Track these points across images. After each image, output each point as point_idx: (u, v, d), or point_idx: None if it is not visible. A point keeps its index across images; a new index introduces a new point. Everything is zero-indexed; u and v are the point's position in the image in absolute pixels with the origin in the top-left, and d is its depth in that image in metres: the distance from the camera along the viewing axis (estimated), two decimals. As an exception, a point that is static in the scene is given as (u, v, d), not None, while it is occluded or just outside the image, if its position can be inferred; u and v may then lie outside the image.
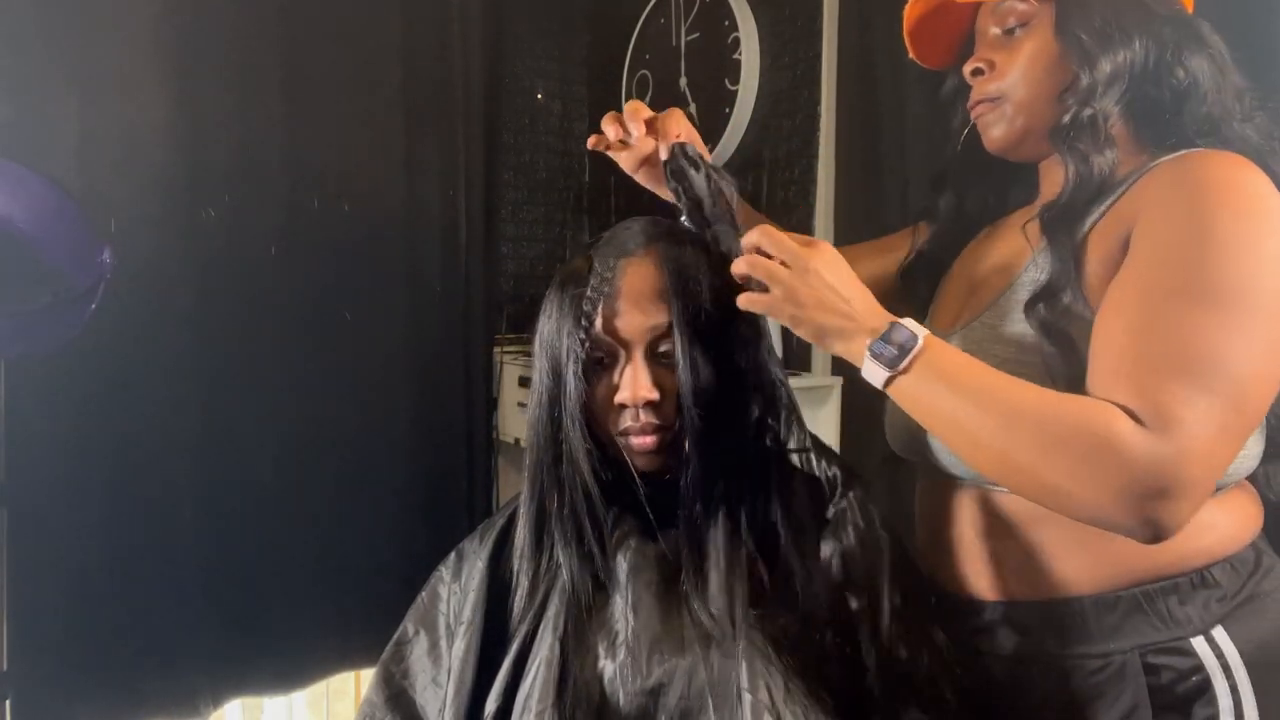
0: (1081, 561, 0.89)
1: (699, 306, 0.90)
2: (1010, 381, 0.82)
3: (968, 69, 0.97)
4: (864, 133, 1.74)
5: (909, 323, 0.84)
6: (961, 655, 0.92)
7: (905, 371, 0.83)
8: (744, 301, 0.89)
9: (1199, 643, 0.86)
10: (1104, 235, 0.87)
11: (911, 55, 1.08)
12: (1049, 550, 0.91)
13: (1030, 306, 0.88)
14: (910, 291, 1.11)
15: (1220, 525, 0.89)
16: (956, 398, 0.82)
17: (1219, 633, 0.86)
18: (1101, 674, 0.88)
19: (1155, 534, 0.77)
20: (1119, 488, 0.75)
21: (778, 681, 0.84)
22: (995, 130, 0.97)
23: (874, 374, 0.84)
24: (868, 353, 0.84)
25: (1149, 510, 0.75)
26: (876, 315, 0.85)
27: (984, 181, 1.06)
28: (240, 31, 1.72)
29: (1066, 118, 0.90)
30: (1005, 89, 0.95)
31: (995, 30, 0.96)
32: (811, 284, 0.86)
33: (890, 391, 0.85)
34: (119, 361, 1.59)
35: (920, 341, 0.82)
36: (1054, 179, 0.94)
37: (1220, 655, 0.85)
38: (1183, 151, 0.87)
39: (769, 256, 0.88)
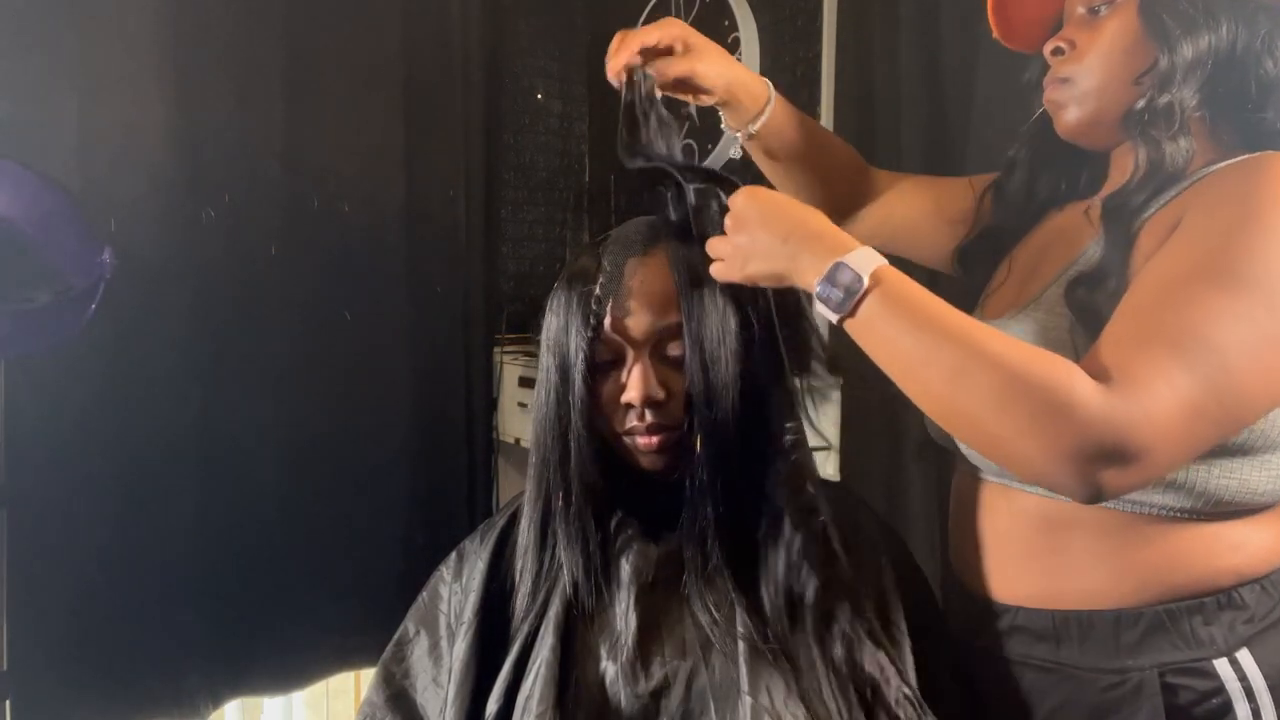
0: (1106, 573, 0.87)
1: (708, 307, 0.90)
2: (972, 325, 0.78)
3: (1048, 48, 0.94)
4: (861, 131, 1.73)
5: (855, 258, 0.79)
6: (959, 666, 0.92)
7: (853, 313, 0.79)
8: (716, 272, 0.88)
9: (1222, 665, 0.83)
10: (1156, 228, 0.84)
11: (995, 35, 1.03)
12: (1074, 559, 0.88)
13: (1071, 289, 0.86)
14: (967, 272, 1.07)
15: (1252, 545, 0.86)
16: (911, 337, 0.77)
17: (1244, 655, 0.83)
18: (1118, 690, 0.86)
19: (1095, 497, 0.73)
20: (1066, 449, 0.72)
21: (779, 683, 0.84)
22: (1068, 114, 0.93)
23: (824, 316, 0.81)
24: (815, 296, 0.80)
25: (1092, 473, 0.72)
26: (822, 253, 0.81)
27: (1055, 166, 1.01)
28: (240, 32, 1.72)
29: (1141, 102, 0.86)
30: (1080, 71, 0.91)
31: (1081, 10, 0.93)
32: (745, 240, 0.84)
33: (846, 329, 0.81)
34: (119, 361, 1.59)
35: (865, 281, 0.78)
36: (1124, 167, 0.90)
37: (1244, 679, 0.82)
38: (1259, 153, 0.84)
39: None
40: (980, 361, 0.75)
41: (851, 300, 0.78)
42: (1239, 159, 0.83)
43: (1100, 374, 0.73)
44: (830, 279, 0.79)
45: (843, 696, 0.85)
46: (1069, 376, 0.73)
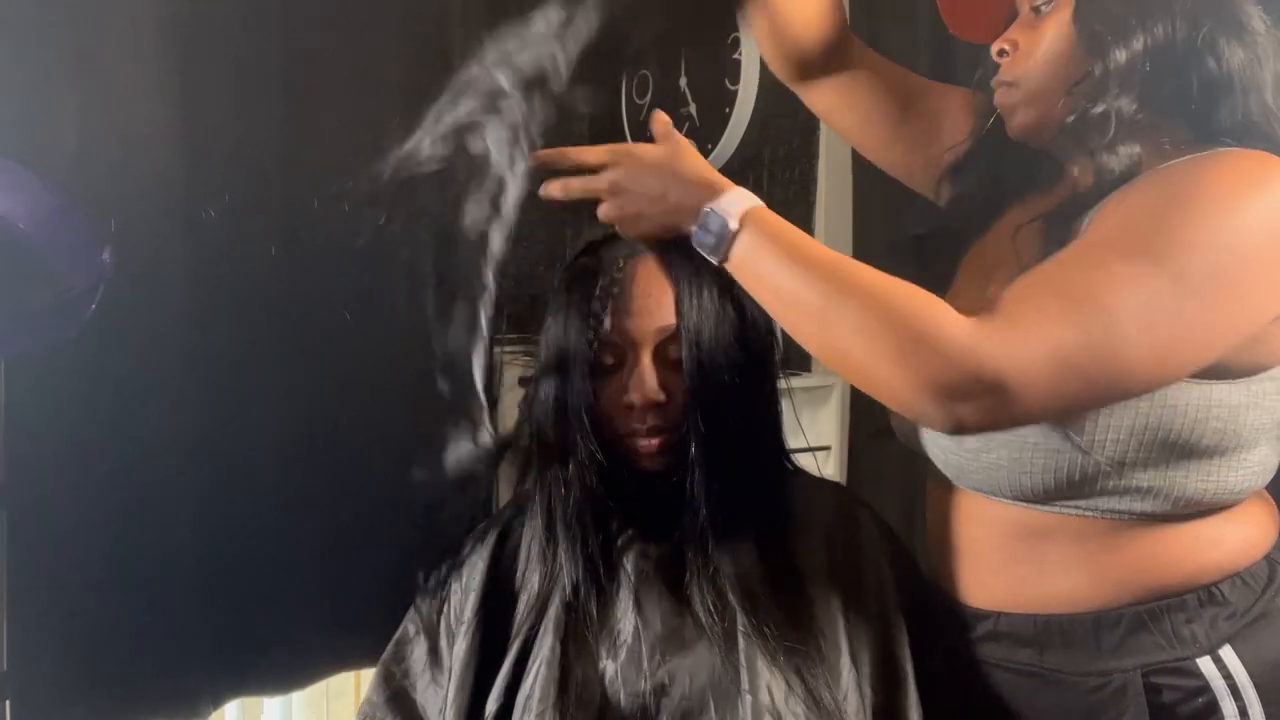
0: (1084, 577, 0.87)
1: (706, 309, 0.90)
2: (842, 260, 0.81)
3: (994, 49, 0.93)
4: None
5: (725, 203, 0.83)
6: (959, 667, 0.92)
7: (728, 257, 0.83)
8: (604, 213, 0.93)
9: (1205, 663, 0.83)
10: (1100, 215, 0.83)
11: (950, 29, 1.04)
12: (1051, 565, 0.88)
13: None
14: (930, 263, 1.07)
15: (1230, 539, 0.85)
16: (782, 274, 0.80)
17: (1227, 652, 0.82)
18: (1102, 692, 0.86)
19: (956, 429, 0.75)
20: (929, 379, 0.72)
21: (779, 682, 0.84)
22: (1015, 117, 0.92)
23: (709, 259, 0.86)
24: (695, 245, 0.85)
25: (951, 404, 0.72)
26: (696, 201, 0.85)
27: (1012, 161, 1.00)
28: (240, 31, 1.71)
29: (1072, 116, 0.85)
30: (1023, 75, 0.90)
31: (1026, 8, 0.91)
32: (625, 201, 0.89)
33: (729, 270, 0.85)
34: (119, 361, 1.58)
35: (733, 225, 0.82)
36: (1073, 170, 0.89)
37: (1229, 676, 0.82)
38: (1215, 150, 0.81)
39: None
40: (847, 294, 0.77)
41: (724, 244, 0.82)
42: (1192, 156, 0.81)
43: (991, 310, 0.74)
44: (704, 226, 0.83)
45: (841, 694, 0.86)
46: (932, 307, 0.75)
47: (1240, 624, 0.83)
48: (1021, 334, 0.71)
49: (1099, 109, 0.83)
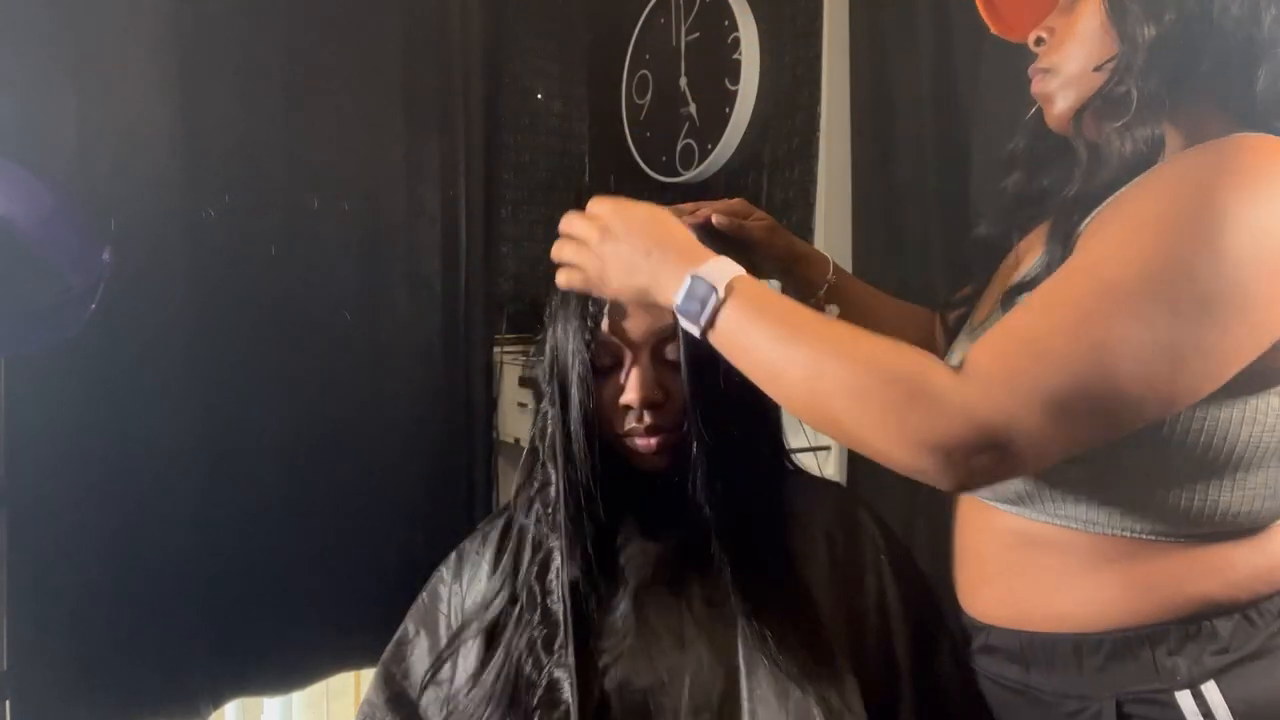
0: (1070, 595, 0.83)
1: None
2: (829, 325, 0.77)
3: (1031, 38, 0.88)
4: (877, 126, 1.71)
5: (709, 270, 0.79)
6: (964, 672, 0.91)
7: (713, 325, 0.79)
8: (561, 280, 0.88)
9: (1184, 697, 0.77)
10: (1099, 219, 0.78)
11: (991, 29, 0.99)
12: (1039, 579, 0.85)
13: (1006, 300, 0.82)
14: (970, 277, 1.03)
15: (1231, 572, 0.80)
16: (768, 342, 0.77)
17: (1210, 688, 0.77)
18: (1079, 717, 0.83)
19: (962, 486, 0.72)
20: (926, 440, 0.70)
21: (780, 682, 0.84)
22: (1054, 106, 0.87)
23: (689, 329, 0.81)
24: (677, 312, 0.80)
25: (959, 462, 0.70)
26: (681, 265, 0.81)
27: (1053, 162, 0.94)
28: (240, 31, 1.72)
29: (1089, 95, 0.81)
30: (1060, 60, 0.85)
31: None
32: (609, 251, 0.84)
33: (710, 341, 0.80)
34: (119, 361, 1.59)
35: (719, 293, 0.78)
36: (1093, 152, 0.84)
37: (1208, 714, 0.77)
38: (1227, 136, 0.74)
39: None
40: (834, 359, 0.74)
41: (708, 312, 0.78)
42: (1202, 145, 0.75)
43: (973, 362, 0.71)
44: (689, 293, 0.79)
45: (840, 695, 0.86)
46: (922, 368, 0.72)
47: (1230, 659, 0.77)
48: (1010, 383, 0.69)
49: (1123, 88, 0.78)
